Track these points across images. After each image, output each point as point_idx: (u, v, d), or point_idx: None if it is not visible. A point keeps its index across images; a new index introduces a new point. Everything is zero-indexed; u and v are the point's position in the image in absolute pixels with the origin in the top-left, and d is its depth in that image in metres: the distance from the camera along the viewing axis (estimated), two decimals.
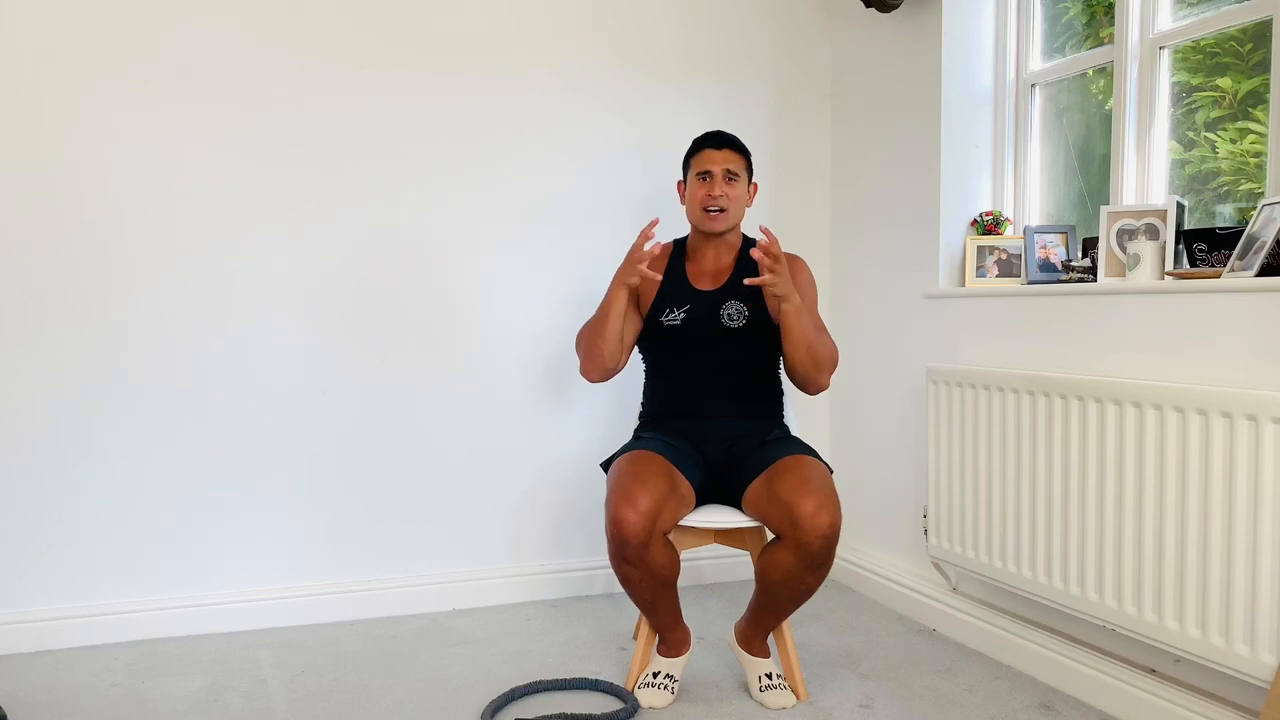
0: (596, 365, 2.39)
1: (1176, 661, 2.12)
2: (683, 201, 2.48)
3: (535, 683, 2.34)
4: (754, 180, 2.54)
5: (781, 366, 2.47)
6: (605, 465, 2.41)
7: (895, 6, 2.87)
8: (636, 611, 2.86)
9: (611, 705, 2.27)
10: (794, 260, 2.47)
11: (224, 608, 2.80)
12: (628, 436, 2.89)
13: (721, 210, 2.39)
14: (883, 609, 2.98)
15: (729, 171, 2.39)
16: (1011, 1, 2.80)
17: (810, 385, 2.36)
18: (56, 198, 2.64)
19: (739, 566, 3.27)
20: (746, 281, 2.22)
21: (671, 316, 2.41)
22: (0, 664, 2.56)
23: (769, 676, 2.30)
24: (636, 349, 2.52)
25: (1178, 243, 2.20)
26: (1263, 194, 2.11)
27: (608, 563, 3.07)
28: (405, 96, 2.91)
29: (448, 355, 3.00)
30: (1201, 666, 2.03)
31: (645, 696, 2.26)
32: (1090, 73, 2.60)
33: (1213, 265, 2.10)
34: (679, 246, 2.54)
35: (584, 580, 3.14)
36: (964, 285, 2.77)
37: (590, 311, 3.06)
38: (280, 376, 2.84)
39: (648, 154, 3.14)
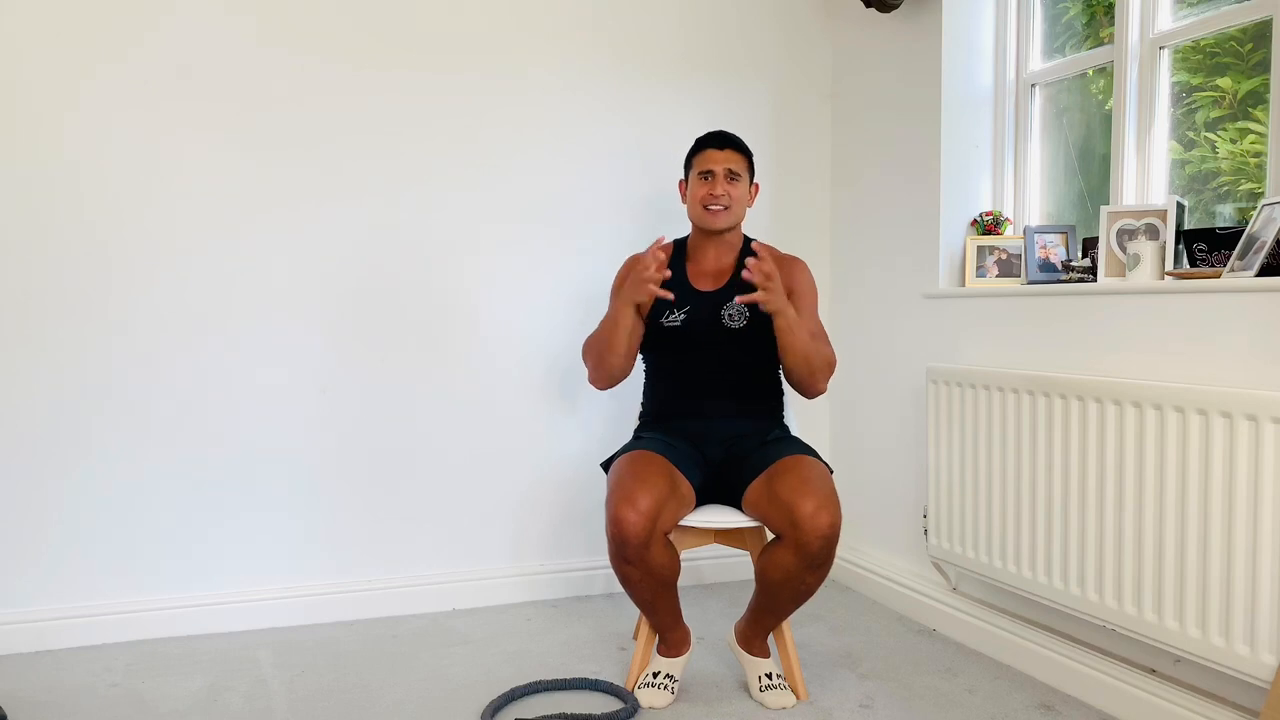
0: (605, 376, 2.42)
1: (1176, 661, 2.12)
2: (684, 201, 2.48)
3: (535, 683, 2.35)
4: (755, 181, 2.54)
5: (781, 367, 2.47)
6: (605, 465, 2.41)
7: (895, 6, 2.87)
8: (636, 611, 2.86)
9: (611, 705, 2.27)
10: (794, 262, 2.47)
11: (224, 608, 2.80)
12: (628, 436, 2.89)
13: (724, 208, 2.39)
14: (883, 609, 2.98)
15: (731, 171, 2.39)
16: (1011, 1, 2.80)
17: (807, 391, 2.37)
18: (56, 197, 2.64)
19: (739, 566, 3.27)
20: (739, 299, 2.22)
21: (672, 318, 2.40)
22: (0, 664, 2.56)
23: (769, 676, 2.30)
24: None
25: (1178, 243, 2.20)
26: (1263, 194, 2.11)
27: (608, 563, 3.07)
28: (405, 96, 2.91)
29: (448, 355, 3.00)
30: (1201, 666, 2.03)
31: (645, 696, 2.26)
32: (1090, 73, 2.60)
33: (1213, 265, 2.10)
34: (679, 247, 2.54)
35: (584, 580, 3.14)
36: (964, 285, 2.77)
37: (590, 313, 3.07)
38: (280, 376, 2.84)
39: (648, 154, 3.14)
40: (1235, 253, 1.99)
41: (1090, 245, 2.46)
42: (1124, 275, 2.29)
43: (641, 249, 2.92)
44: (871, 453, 3.18)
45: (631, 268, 2.51)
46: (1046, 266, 2.56)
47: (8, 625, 2.63)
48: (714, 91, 3.21)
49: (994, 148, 2.84)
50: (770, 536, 2.24)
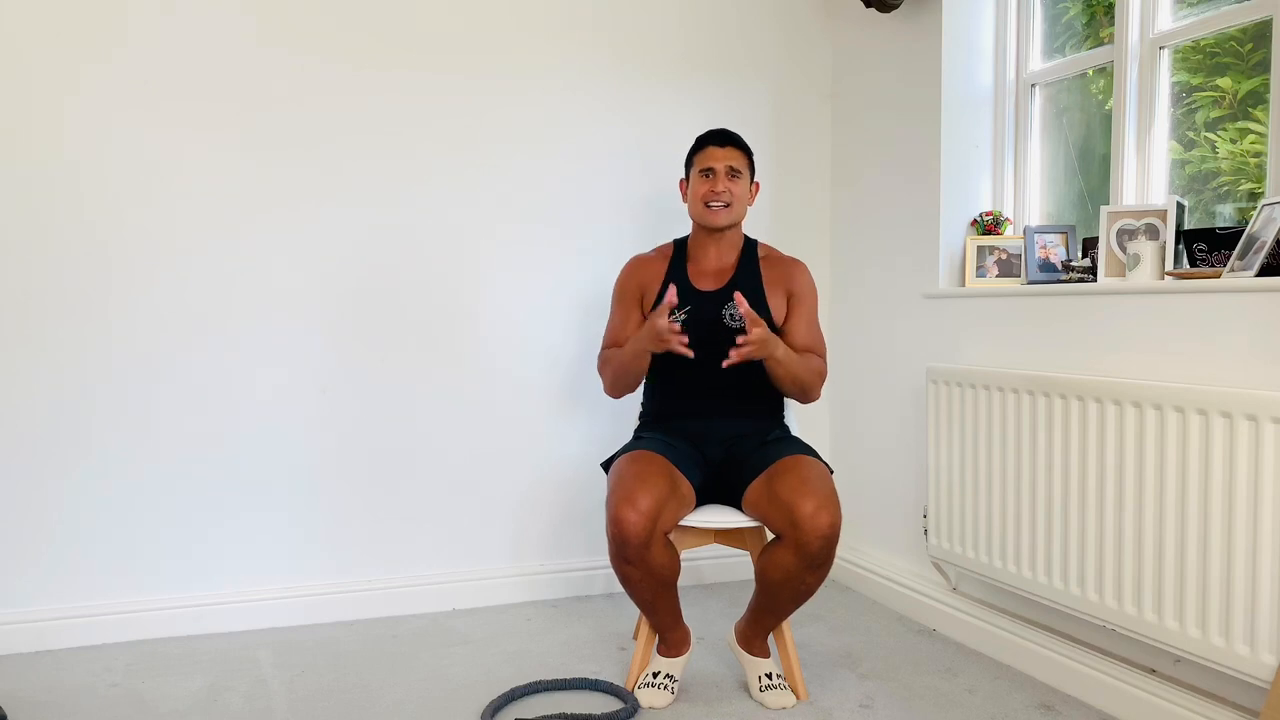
0: (619, 394, 2.48)
1: (1176, 661, 2.12)
2: (685, 199, 2.48)
3: (535, 683, 2.35)
4: (756, 179, 2.54)
5: None
6: (605, 465, 2.41)
7: (895, 6, 2.87)
8: (636, 611, 2.86)
9: (611, 705, 2.27)
10: (794, 265, 2.48)
11: (224, 608, 2.80)
12: (628, 436, 2.90)
13: (725, 205, 2.39)
14: (883, 609, 2.98)
15: (732, 168, 2.40)
16: (1011, 1, 2.80)
17: (800, 401, 2.43)
18: (56, 197, 2.64)
19: (739, 566, 3.27)
20: (726, 363, 2.20)
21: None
22: (0, 664, 2.56)
23: (769, 676, 2.30)
24: None
25: (1178, 243, 2.20)
26: (1263, 194, 2.11)
27: (608, 563, 3.07)
28: (405, 96, 2.91)
29: (448, 355, 3.00)
30: (1201, 666, 2.04)
31: (645, 696, 2.26)
32: (1090, 73, 2.60)
33: (1213, 265, 2.10)
34: (679, 247, 2.54)
35: (584, 580, 3.14)
36: (964, 285, 2.77)
37: (590, 313, 3.07)
38: (280, 376, 2.84)
39: (648, 154, 3.14)
40: (1235, 253, 1.99)
41: (1090, 245, 2.46)
42: (1124, 275, 2.29)
43: (642, 249, 2.92)
44: (871, 453, 3.18)
45: (633, 270, 2.52)
46: (1046, 266, 2.56)
47: (8, 625, 2.63)
48: (714, 91, 3.21)
49: (994, 148, 2.84)
50: (770, 536, 2.24)
